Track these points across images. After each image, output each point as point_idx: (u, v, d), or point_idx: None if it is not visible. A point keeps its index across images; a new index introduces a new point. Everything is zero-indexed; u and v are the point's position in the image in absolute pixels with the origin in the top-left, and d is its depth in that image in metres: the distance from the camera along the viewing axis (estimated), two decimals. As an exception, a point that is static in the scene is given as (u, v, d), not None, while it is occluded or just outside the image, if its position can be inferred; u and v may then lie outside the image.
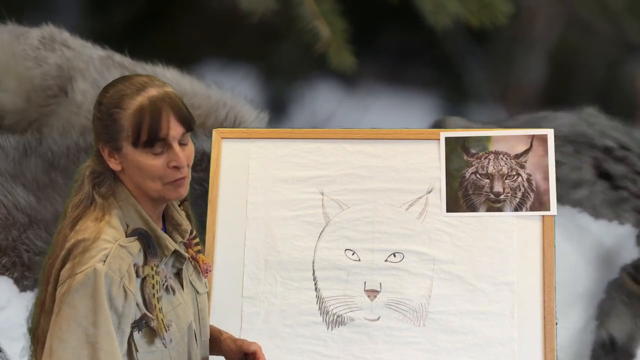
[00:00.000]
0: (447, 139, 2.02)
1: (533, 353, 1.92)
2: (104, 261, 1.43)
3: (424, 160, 2.03)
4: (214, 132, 2.10)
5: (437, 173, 2.01)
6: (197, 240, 1.69)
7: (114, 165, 1.52)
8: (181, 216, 1.63)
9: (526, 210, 1.97)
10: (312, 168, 2.06)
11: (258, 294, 2.01)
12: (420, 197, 2.01)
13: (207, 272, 1.69)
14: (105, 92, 1.53)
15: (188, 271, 1.63)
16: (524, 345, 1.92)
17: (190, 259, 1.65)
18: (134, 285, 1.47)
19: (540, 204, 1.97)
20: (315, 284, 2.00)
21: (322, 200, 2.04)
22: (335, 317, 1.98)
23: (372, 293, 1.97)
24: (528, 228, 1.97)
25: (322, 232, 2.02)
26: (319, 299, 1.99)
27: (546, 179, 1.98)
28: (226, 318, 1.86)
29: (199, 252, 1.68)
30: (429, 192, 2.01)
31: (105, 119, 1.51)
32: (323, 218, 2.03)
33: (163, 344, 1.49)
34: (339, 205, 2.03)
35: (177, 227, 1.61)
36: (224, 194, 2.05)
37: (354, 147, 2.06)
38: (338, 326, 1.98)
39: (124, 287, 1.45)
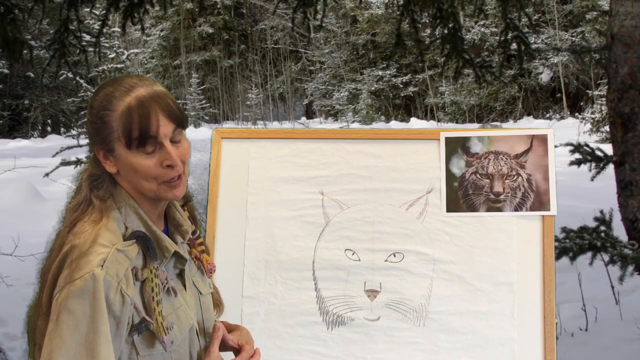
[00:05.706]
0: (447, 139, 2.02)
1: (533, 353, 1.92)
2: (102, 266, 1.41)
3: (424, 160, 2.03)
4: (214, 132, 2.09)
5: (437, 173, 2.01)
6: (201, 240, 1.68)
7: (110, 167, 1.51)
8: (182, 217, 1.62)
9: (526, 210, 1.97)
10: (312, 168, 2.05)
11: (258, 294, 2.01)
12: (420, 197, 2.01)
13: (211, 273, 1.68)
14: (96, 95, 1.52)
15: (191, 272, 1.62)
16: (524, 345, 1.92)
17: (194, 259, 1.64)
18: (132, 290, 1.45)
19: (540, 204, 1.97)
20: (315, 284, 2.00)
21: (322, 200, 2.04)
22: (335, 317, 1.98)
23: (372, 293, 1.97)
24: (528, 228, 1.97)
25: (322, 232, 2.02)
26: (319, 299, 1.99)
27: (546, 179, 1.98)
28: (226, 318, 1.85)
29: (202, 252, 1.67)
30: (429, 192, 2.01)
31: (96, 122, 1.50)
32: (323, 218, 2.02)
33: (163, 347, 1.48)
34: (339, 205, 2.03)
35: (178, 227, 1.60)
36: (224, 194, 2.05)
37: (354, 147, 2.06)
38: (338, 326, 1.98)
39: (121, 291, 1.43)
